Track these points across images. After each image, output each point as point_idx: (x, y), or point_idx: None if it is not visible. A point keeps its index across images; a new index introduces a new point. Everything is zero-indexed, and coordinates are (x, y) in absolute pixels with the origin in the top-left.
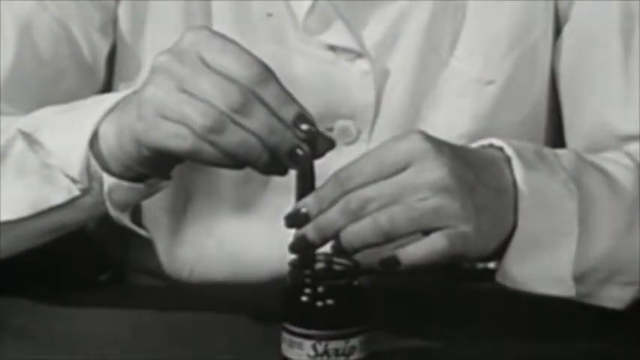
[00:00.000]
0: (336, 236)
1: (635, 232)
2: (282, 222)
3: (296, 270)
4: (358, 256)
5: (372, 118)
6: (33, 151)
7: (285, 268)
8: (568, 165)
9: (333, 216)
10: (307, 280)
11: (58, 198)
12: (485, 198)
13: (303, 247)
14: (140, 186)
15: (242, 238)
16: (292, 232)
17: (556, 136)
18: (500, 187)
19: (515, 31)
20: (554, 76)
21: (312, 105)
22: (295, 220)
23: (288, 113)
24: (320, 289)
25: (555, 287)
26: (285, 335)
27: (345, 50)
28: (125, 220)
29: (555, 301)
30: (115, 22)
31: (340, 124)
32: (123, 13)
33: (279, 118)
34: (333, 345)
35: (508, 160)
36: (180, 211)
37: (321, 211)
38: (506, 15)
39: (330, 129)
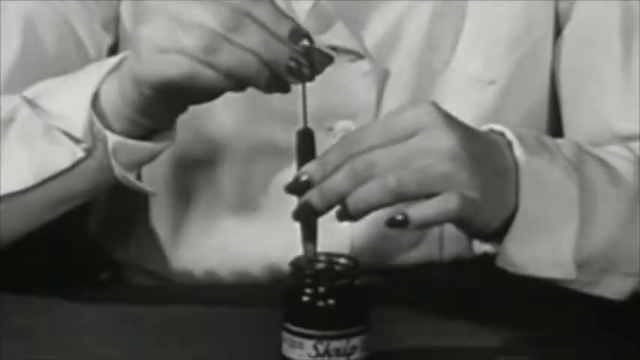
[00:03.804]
0: (340, 202)
1: (637, 223)
2: (282, 222)
3: (297, 270)
4: (360, 256)
5: (372, 118)
6: (37, 115)
7: (285, 268)
8: (568, 153)
9: (338, 180)
10: (308, 280)
11: (63, 162)
12: (490, 174)
13: (306, 214)
14: (144, 144)
15: (242, 239)
16: (292, 231)
17: (556, 136)
18: (502, 167)
19: (515, 32)
20: (554, 76)
21: (312, 105)
22: (296, 187)
23: (283, 29)
24: (321, 289)
25: (555, 271)
26: (286, 335)
27: (345, 51)
28: (130, 178)
29: (556, 300)
30: (117, 19)
31: (341, 124)
32: (125, 10)
33: (275, 35)
34: (334, 345)
35: (509, 144)
36: (181, 211)
37: (325, 177)
38: (506, 15)
39: (331, 129)
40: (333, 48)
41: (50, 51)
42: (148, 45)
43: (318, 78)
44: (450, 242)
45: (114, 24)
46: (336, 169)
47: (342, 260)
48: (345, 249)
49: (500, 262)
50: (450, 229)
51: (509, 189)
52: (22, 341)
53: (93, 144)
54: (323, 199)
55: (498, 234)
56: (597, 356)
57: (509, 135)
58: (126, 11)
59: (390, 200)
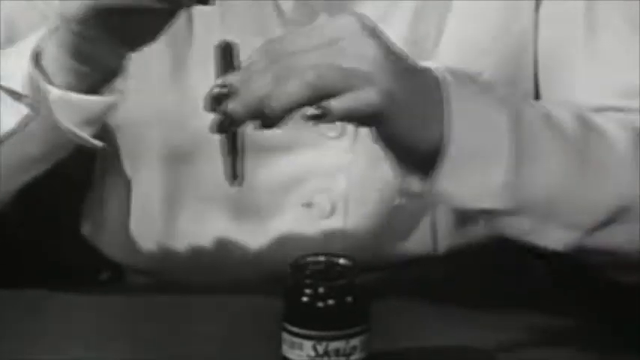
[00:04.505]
0: (261, 109)
1: (578, 174)
2: (273, 220)
3: (296, 270)
4: (354, 250)
5: None
6: None
7: (279, 267)
8: (503, 92)
9: (258, 82)
10: (307, 281)
11: (10, 121)
12: (413, 88)
13: (227, 124)
14: (88, 98)
15: (235, 239)
16: (284, 229)
17: None
18: (428, 87)
19: (500, 25)
20: (535, 61)
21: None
22: (216, 98)
23: None
24: (320, 290)
25: (487, 201)
26: (286, 336)
27: None
28: (79, 132)
29: (556, 300)
30: None
31: None
32: None
33: None
34: (333, 345)
35: (437, 80)
36: (172, 214)
37: (246, 85)
38: (491, 9)
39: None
40: None
41: None
42: None
43: None
44: (442, 233)
45: None
46: (257, 76)
47: (341, 260)
48: (337, 242)
49: (430, 194)
50: (442, 220)
51: (435, 112)
52: (19, 341)
53: (36, 99)
54: (243, 104)
55: (426, 167)
56: (599, 355)
57: (439, 69)
58: None
59: (310, 95)
